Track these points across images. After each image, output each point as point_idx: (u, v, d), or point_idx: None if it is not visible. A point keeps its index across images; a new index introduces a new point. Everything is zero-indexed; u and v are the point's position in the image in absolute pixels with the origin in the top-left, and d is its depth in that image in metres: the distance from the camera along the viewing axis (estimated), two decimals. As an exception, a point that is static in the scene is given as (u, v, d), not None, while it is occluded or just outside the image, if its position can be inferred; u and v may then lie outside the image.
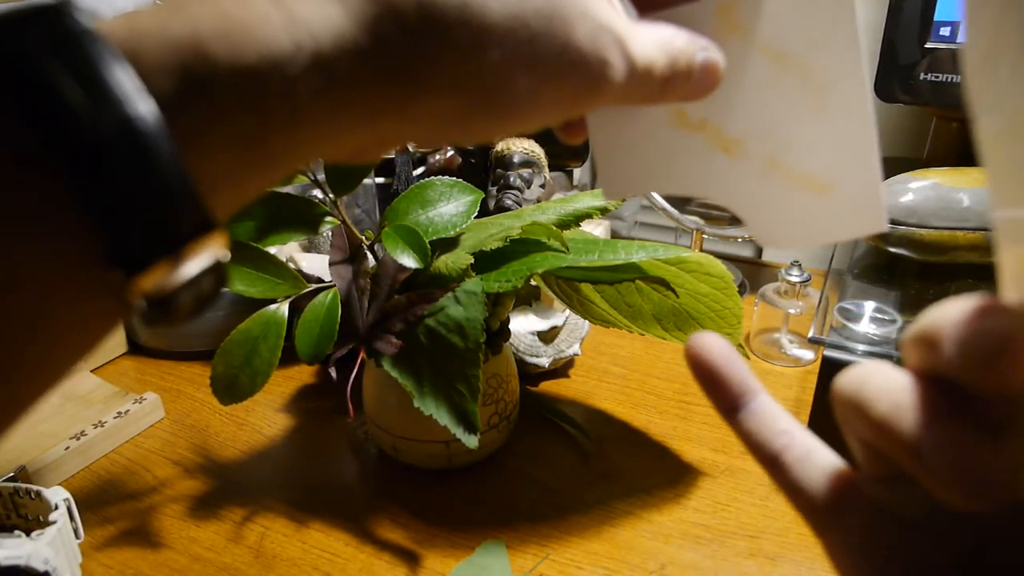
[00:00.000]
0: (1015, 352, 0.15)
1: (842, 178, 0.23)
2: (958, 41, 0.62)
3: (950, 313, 0.16)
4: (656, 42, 0.21)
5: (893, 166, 0.67)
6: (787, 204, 0.24)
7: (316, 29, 0.17)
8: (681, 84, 0.22)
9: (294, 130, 0.17)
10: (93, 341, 0.17)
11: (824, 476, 0.21)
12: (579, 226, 0.47)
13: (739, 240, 0.79)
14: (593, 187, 0.99)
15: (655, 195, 0.79)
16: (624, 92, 0.21)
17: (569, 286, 0.51)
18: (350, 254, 0.46)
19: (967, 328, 0.15)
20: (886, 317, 0.49)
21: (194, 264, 0.16)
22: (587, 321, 0.64)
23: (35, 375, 0.16)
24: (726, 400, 0.22)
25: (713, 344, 0.22)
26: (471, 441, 0.41)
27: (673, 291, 0.48)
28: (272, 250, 0.45)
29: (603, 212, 0.47)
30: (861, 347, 0.47)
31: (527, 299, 0.63)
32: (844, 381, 0.19)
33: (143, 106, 0.15)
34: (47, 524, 0.43)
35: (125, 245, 0.15)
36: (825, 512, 0.21)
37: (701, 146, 0.24)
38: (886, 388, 0.18)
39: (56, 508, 0.44)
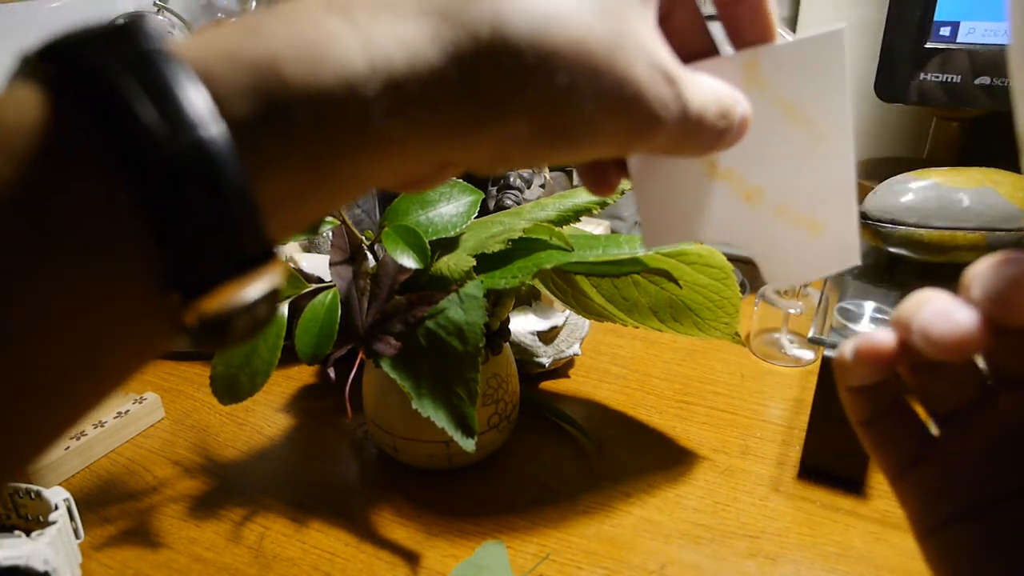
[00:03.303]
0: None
1: (830, 219, 0.26)
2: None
3: (977, 267, 0.21)
4: (709, 90, 0.22)
5: (893, 166, 0.67)
6: (789, 245, 0.27)
7: (391, 50, 0.17)
8: (729, 134, 0.23)
9: (362, 152, 0.17)
10: (141, 362, 0.17)
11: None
12: (579, 221, 0.47)
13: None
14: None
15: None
16: (676, 136, 0.21)
17: (565, 282, 0.51)
18: (350, 254, 0.46)
19: (990, 275, 0.20)
20: (886, 317, 0.49)
21: (254, 290, 0.16)
22: (587, 321, 0.64)
23: (81, 395, 0.16)
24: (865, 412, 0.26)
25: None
26: (468, 445, 0.41)
27: (676, 282, 0.48)
28: (272, 250, 0.45)
29: (602, 206, 0.47)
30: (861, 347, 0.47)
31: (527, 299, 0.63)
32: (906, 306, 0.22)
33: (215, 129, 0.15)
34: (47, 524, 0.43)
35: (187, 268, 0.15)
36: (901, 467, 0.25)
37: (727, 194, 0.26)
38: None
39: (56, 508, 0.44)
